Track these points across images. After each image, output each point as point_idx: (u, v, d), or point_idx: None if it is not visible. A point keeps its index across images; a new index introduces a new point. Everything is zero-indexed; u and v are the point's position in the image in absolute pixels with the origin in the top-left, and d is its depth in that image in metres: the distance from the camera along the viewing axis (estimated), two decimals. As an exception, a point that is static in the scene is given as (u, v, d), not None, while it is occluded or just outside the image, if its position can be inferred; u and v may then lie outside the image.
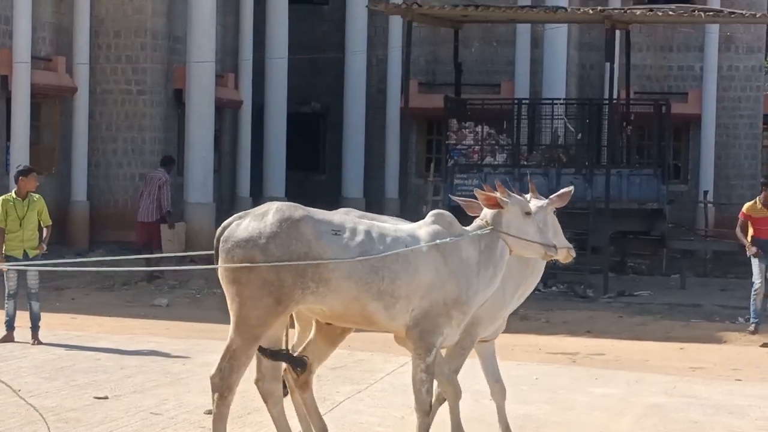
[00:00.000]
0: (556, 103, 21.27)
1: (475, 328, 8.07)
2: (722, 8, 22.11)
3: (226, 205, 25.62)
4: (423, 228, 7.61)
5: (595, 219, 19.72)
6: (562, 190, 8.38)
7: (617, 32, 23.11)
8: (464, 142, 20.88)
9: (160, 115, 23.67)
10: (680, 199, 26.19)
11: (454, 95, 22.37)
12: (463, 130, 20.81)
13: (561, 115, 20.93)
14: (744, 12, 20.52)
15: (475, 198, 7.77)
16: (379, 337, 14.42)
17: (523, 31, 26.49)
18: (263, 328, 7.25)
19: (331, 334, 7.88)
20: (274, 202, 7.52)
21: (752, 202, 16.12)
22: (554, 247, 7.78)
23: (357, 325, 7.65)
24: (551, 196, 8.40)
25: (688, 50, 27.92)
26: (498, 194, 7.68)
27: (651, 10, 20.23)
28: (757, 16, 19.81)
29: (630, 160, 22.14)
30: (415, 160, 28.03)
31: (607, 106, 20.72)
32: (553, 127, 21.53)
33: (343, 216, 7.58)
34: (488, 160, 20.81)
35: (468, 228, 7.72)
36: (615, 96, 23.38)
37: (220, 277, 7.38)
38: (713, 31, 26.74)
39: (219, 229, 7.47)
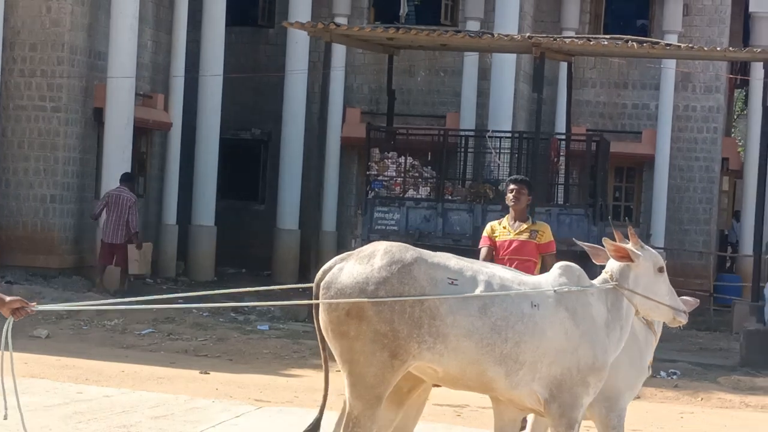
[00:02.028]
0: (484, 136, 20.03)
1: (617, 402, 7.21)
2: (659, 40, 20.74)
3: (152, 231, 24.39)
4: (548, 282, 6.82)
5: (521, 260, 18.40)
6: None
7: (565, 64, 22.02)
8: (386, 174, 19.66)
9: (77, 134, 22.33)
10: (630, 242, 24.83)
11: (386, 124, 21.28)
12: (386, 160, 19.58)
13: (490, 149, 19.67)
14: (681, 45, 19.20)
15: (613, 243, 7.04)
16: (259, 380, 13.09)
17: (471, 60, 25.26)
18: (383, 388, 6.44)
19: (397, 395, 6.80)
20: (382, 242, 6.73)
21: None
22: (684, 312, 6.97)
23: (473, 390, 6.79)
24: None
25: (644, 88, 26.70)
26: (629, 245, 6.90)
27: (589, 40, 18.96)
28: (695, 48, 18.47)
29: (568, 198, 20.85)
30: (355, 192, 26.78)
31: (539, 140, 19.43)
32: (486, 161, 20.38)
33: (459, 261, 6.73)
34: (411, 193, 19.59)
35: (594, 282, 6.92)
36: (559, 131, 22.27)
37: (324, 331, 6.54)
38: (670, 68, 25.50)
39: (319, 274, 6.60)
